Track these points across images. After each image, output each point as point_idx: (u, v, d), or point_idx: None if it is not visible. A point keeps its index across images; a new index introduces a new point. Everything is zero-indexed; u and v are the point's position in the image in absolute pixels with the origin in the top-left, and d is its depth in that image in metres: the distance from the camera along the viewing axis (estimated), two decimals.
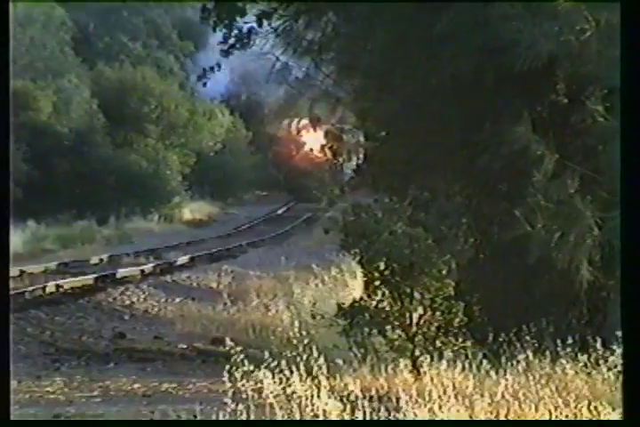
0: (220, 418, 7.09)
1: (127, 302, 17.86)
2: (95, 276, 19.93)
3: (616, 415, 6.43)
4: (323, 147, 50.69)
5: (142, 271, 21.58)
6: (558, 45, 9.36)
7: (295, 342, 9.04)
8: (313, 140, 47.12)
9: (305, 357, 7.94)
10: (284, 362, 7.72)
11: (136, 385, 10.55)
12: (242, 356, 7.62)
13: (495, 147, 9.80)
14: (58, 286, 18.35)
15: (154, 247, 27.59)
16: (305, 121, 45.63)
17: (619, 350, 8.36)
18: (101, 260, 24.49)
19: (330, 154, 50.98)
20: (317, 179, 45.09)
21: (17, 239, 29.02)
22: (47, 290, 17.96)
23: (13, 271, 20.84)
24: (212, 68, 12.61)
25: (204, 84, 13.37)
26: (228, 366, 7.61)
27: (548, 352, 8.57)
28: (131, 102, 42.22)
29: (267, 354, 7.73)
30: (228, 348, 7.71)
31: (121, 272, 20.87)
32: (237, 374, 7.47)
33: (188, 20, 48.72)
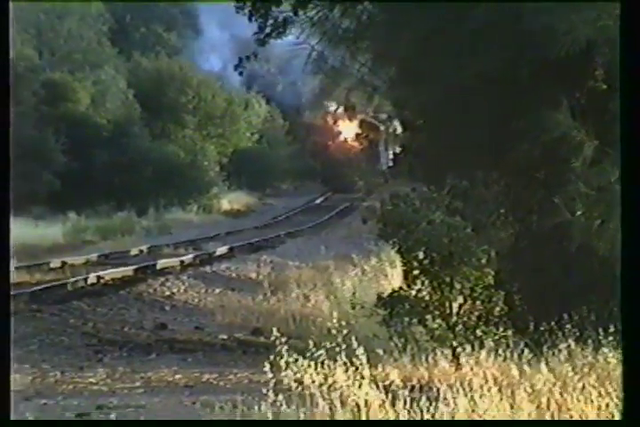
0: (262, 409, 7.10)
1: (167, 293, 17.96)
2: (135, 267, 20.07)
3: None
4: (358, 136, 50.82)
5: (182, 262, 21.69)
6: (596, 31, 9.26)
7: (335, 332, 9.04)
8: (348, 129, 47.03)
9: (345, 347, 7.94)
10: (324, 352, 7.72)
11: (177, 376, 10.61)
12: (283, 346, 7.64)
13: (534, 134, 9.72)
14: (99, 278, 18.50)
15: (193, 238, 27.71)
16: (341, 110, 45.52)
17: None
18: (141, 251, 24.64)
19: (365, 143, 51.09)
20: (354, 168, 45.02)
21: (57, 231, 29.28)
22: (88, 281, 18.11)
23: (55, 263, 21.07)
24: (247, 58, 12.58)
25: (241, 74, 13.35)
26: (268, 357, 7.63)
27: (590, 341, 8.51)
28: (168, 93, 42.38)
29: (307, 344, 7.74)
30: (269, 338, 7.73)
31: (161, 263, 20.98)
32: (279, 365, 7.49)
33: (224, 9, 48.72)
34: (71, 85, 38.46)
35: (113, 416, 7.84)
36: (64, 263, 21.21)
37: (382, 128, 46.98)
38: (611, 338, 8.48)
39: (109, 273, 19.08)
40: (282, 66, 51.32)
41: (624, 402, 4.36)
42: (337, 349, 7.88)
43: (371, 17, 11.46)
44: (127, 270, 19.68)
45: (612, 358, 7.95)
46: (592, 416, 6.18)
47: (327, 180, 47.31)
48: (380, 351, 8.41)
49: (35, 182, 34.69)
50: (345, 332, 8.80)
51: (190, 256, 22.70)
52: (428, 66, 10.65)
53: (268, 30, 11.65)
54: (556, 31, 9.25)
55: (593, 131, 9.74)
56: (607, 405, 6.47)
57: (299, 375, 7.46)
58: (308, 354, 7.76)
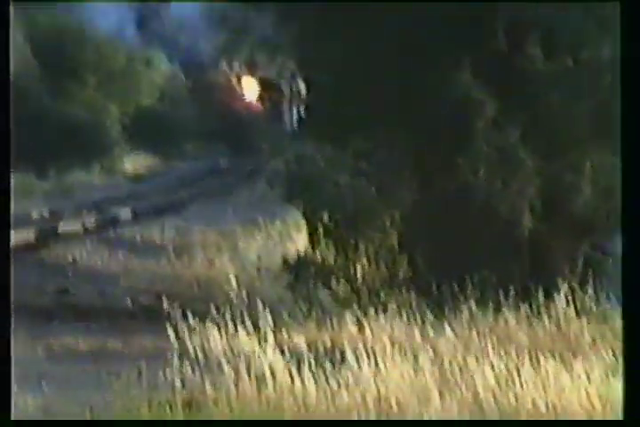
0: (167, 376, 7.05)
1: (69, 258, 17.69)
2: (36, 231, 19.68)
3: (552, 366, 6.53)
4: (260, 96, 50.42)
5: (84, 226, 21.35)
6: None
7: (240, 296, 9.01)
8: (250, 89, 46.59)
9: (250, 311, 7.92)
10: (229, 316, 7.70)
11: (81, 343, 10.48)
12: (187, 311, 7.58)
13: (437, 95, 9.77)
14: None
15: (95, 201, 27.28)
16: (242, 69, 45.09)
17: (559, 299, 8.49)
18: (41, 215, 24.17)
19: (268, 103, 50.58)
20: (257, 130, 44.72)
21: None
22: None
23: None
24: (149, 16, 12.32)
25: (141, 32, 13.09)
26: (172, 322, 7.57)
27: (490, 303, 8.63)
28: (68, 50, 41.47)
29: (211, 309, 7.70)
30: (174, 303, 7.67)
31: (62, 227, 20.61)
32: (183, 330, 7.43)
33: None
34: None
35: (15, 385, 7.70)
36: None
37: (285, 88, 46.64)
38: (511, 300, 8.62)
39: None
40: (184, 24, 50.60)
41: (624, 402, 4.43)
42: (241, 313, 7.85)
43: None
44: (27, 235, 19.28)
45: (511, 320, 8.08)
46: (491, 378, 6.29)
47: (230, 142, 46.88)
48: (285, 315, 8.42)
49: None
50: (249, 296, 8.78)
51: (92, 220, 22.34)
52: (330, 23, 10.59)
53: None
54: None
55: (495, 91, 9.83)
56: (507, 366, 6.58)
57: (203, 341, 7.42)
58: (212, 318, 7.71)
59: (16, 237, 19.00)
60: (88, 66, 41.64)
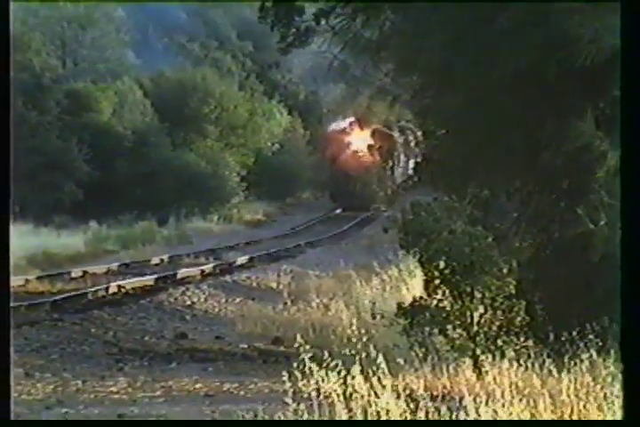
0: (284, 418, 7.09)
1: (188, 303, 17.99)
2: (156, 276, 20.11)
3: None
4: (370, 147, 50.11)
5: (202, 272, 21.73)
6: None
7: (355, 341, 9.02)
8: (362, 139, 46.76)
9: (365, 356, 7.90)
10: (344, 362, 7.69)
11: (198, 385, 10.60)
12: (303, 355, 7.60)
13: (557, 143, 9.67)
14: (120, 287, 18.54)
15: (213, 248, 27.76)
16: (355, 120, 45.29)
17: None
18: (162, 260, 24.70)
19: (381, 153, 50.37)
20: (371, 179, 44.66)
21: (79, 240, 29.39)
22: (109, 291, 18.15)
23: (76, 272, 21.14)
24: (269, 67, 12.56)
25: (262, 83, 13.34)
26: (288, 366, 7.60)
27: (612, 351, 8.43)
28: (191, 103, 42.53)
29: (327, 354, 7.71)
30: (289, 348, 7.70)
31: (181, 273, 21.02)
32: (299, 374, 7.45)
33: (247, 19, 48.93)
34: (94, 95, 38.65)
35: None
36: (85, 273, 21.29)
37: (399, 139, 46.80)
38: None
39: (130, 282, 19.12)
40: (303, 75, 51.40)
41: (624, 402, 4.32)
42: (357, 358, 7.84)
43: (393, 26, 11.44)
44: (148, 280, 19.72)
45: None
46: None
47: (344, 190, 46.55)
48: (401, 361, 8.37)
49: (58, 192, 34.85)
50: (365, 341, 8.77)
51: (210, 266, 22.73)
52: (450, 74, 10.61)
53: (290, 39, 11.64)
54: (581, 39, 9.19)
55: (617, 140, 9.66)
56: None
57: (319, 385, 7.42)
58: (328, 363, 7.72)
59: (137, 281, 19.50)
60: (209, 118, 42.61)
